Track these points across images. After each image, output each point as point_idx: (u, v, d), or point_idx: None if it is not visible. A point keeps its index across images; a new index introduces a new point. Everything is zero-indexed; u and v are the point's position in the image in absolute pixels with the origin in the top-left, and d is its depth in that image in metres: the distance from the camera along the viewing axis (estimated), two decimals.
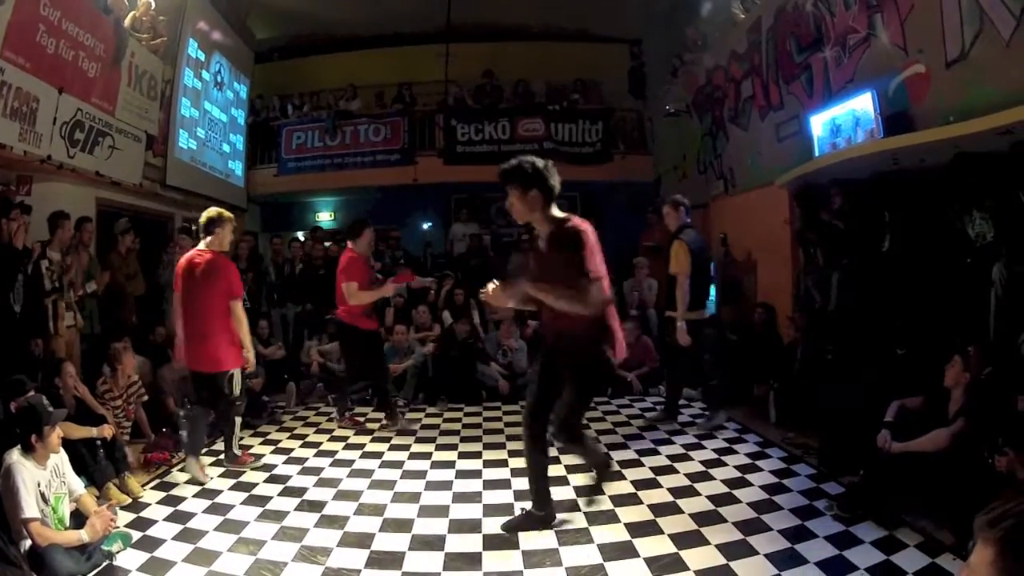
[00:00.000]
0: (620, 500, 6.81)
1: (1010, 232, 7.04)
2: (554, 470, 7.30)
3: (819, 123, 9.99)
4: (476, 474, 7.82)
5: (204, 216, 7.87)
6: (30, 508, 5.01)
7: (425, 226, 20.81)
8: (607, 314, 5.86)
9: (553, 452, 7.11)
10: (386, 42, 20.04)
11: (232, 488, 7.32)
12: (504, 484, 7.46)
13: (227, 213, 7.95)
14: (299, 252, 14.75)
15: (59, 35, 9.64)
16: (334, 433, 9.64)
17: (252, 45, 18.55)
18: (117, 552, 5.44)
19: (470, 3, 17.06)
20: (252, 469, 7.97)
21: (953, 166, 7.71)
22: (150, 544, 5.84)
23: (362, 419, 10.21)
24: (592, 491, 6.84)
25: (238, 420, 8.10)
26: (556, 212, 5.89)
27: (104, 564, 5.32)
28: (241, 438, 8.43)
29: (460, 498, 7.05)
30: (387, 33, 19.69)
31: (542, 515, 6.31)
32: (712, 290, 11.19)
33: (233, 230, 8.17)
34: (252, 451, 8.64)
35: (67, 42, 9.85)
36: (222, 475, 7.75)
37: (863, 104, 8.90)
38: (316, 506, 6.84)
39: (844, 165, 9.23)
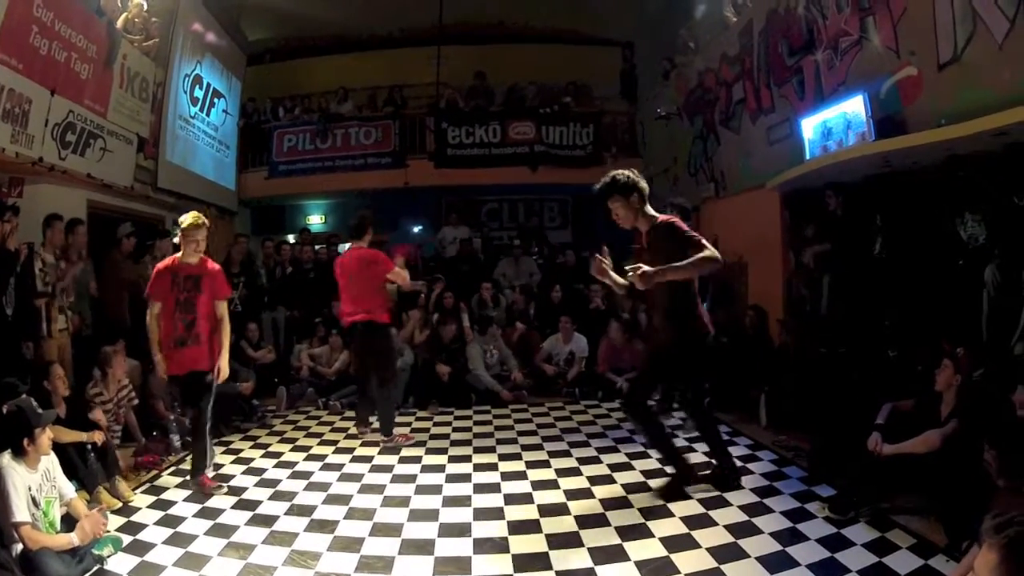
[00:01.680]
0: (609, 504, 6.83)
1: (1003, 234, 7.07)
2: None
3: (810, 126, 10.03)
4: (466, 478, 7.82)
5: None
6: (21, 512, 5.02)
7: (416, 229, 20.81)
8: (689, 297, 7.06)
9: None
10: (377, 44, 20.10)
11: (226, 493, 7.30)
12: (494, 488, 7.47)
13: (194, 220, 7.77)
14: (288, 255, 14.75)
15: (52, 36, 9.65)
16: (324, 437, 9.66)
17: (244, 47, 18.56)
18: (108, 556, 5.48)
19: (461, 5, 17.06)
20: (242, 473, 7.96)
21: (946, 168, 7.74)
22: (140, 548, 5.85)
23: (409, 425, 10.25)
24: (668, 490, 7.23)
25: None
26: (651, 211, 7.03)
27: (95, 568, 5.34)
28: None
29: (450, 502, 7.05)
30: (378, 35, 19.73)
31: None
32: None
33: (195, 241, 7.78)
34: (243, 455, 8.73)
35: (60, 43, 9.85)
36: (212, 479, 7.69)
37: (854, 107, 8.93)
38: (306, 510, 6.85)
39: (835, 168, 9.28)
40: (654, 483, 7.39)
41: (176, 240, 7.86)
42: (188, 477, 7.52)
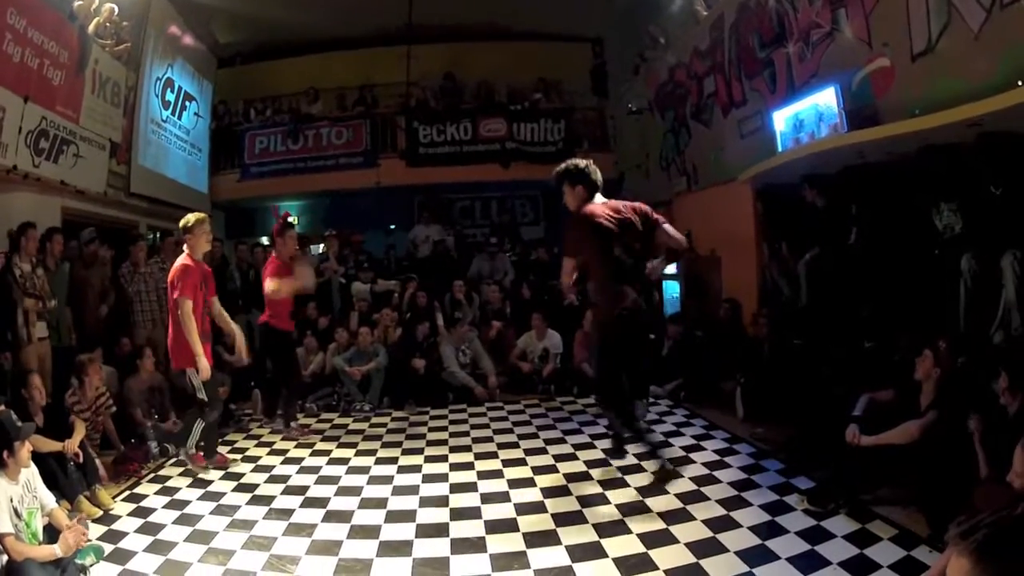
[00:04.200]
0: (587, 500, 6.89)
1: (979, 223, 7.12)
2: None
3: (782, 118, 10.14)
4: (442, 478, 7.86)
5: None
6: (4, 523, 5.01)
7: (390, 228, 20.85)
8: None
9: None
10: (348, 44, 19.98)
11: (201, 498, 7.33)
12: (471, 487, 7.51)
13: (197, 216, 8.32)
14: (261, 258, 14.24)
15: (25, 43, 9.69)
16: (300, 440, 9.62)
17: (215, 50, 18.58)
18: (91, 565, 5.50)
19: (432, 3, 17.02)
20: (220, 478, 7.95)
21: (920, 158, 7.79)
22: (122, 557, 5.87)
23: (308, 426, 10.34)
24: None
25: (198, 424, 8.16)
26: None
27: None
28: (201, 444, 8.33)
29: (427, 502, 7.10)
30: (349, 35, 19.59)
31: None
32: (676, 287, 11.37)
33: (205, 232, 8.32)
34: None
35: (32, 50, 9.89)
36: (191, 485, 7.74)
37: (826, 99, 9.04)
38: (284, 514, 6.87)
39: (808, 160, 9.39)
40: (631, 479, 7.45)
41: (185, 238, 8.21)
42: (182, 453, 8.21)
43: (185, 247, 8.23)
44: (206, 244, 8.31)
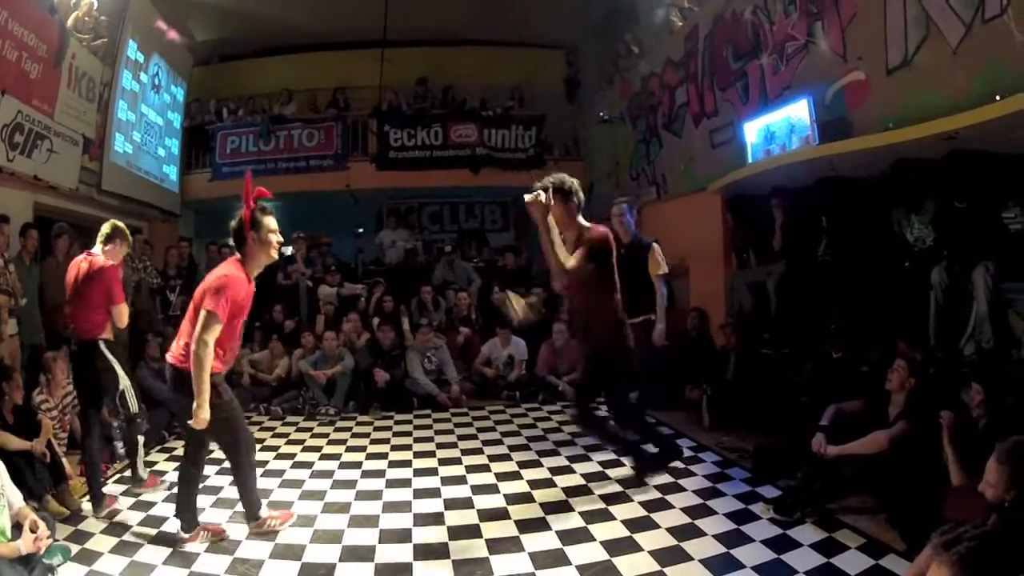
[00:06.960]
0: (551, 507, 6.93)
1: (950, 236, 7.21)
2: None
3: (753, 130, 10.28)
4: (406, 483, 7.88)
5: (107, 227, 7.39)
6: None
7: (358, 232, 20.60)
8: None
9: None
10: (323, 46, 20.14)
11: (166, 500, 7.27)
12: (434, 493, 7.53)
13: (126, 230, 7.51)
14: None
15: (5, 35, 9.68)
16: (265, 443, 9.63)
17: (191, 48, 18.54)
18: (58, 565, 5.52)
19: (407, 8, 17.04)
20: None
21: (893, 171, 7.89)
22: (88, 557, 5.88)
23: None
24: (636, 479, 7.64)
25: (140, 440, 7.70)
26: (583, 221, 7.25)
27: None
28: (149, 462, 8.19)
29: (390, 508, 7.12)
30: (324, 37, 19.76)
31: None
32: None
33: (129, 247, 7.76)
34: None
35: (12, 42, 9.88)
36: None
37: (799, 111, 9.19)
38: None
39: (778, 171, 9.50)
40: (595, 486, 7.51)
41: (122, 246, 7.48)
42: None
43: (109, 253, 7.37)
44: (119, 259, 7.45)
